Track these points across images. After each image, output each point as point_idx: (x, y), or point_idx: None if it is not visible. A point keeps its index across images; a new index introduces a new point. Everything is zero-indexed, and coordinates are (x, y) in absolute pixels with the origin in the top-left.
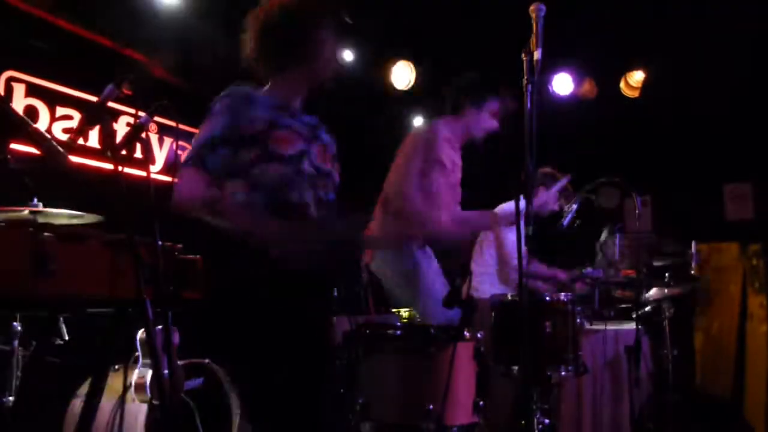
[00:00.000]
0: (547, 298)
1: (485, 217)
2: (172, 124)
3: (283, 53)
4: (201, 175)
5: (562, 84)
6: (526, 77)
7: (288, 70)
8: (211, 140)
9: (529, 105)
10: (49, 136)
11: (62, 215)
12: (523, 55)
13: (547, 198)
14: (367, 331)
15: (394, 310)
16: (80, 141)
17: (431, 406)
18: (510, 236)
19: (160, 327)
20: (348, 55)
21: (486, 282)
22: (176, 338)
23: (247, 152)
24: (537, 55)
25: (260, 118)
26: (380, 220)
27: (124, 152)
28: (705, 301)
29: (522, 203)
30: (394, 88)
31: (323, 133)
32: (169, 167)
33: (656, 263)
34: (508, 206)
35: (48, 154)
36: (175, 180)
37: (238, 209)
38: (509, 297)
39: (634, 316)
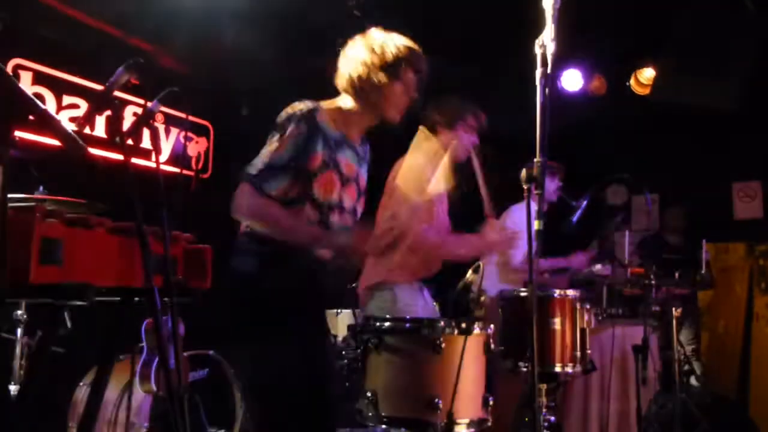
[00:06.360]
0: (555, 295)
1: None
2: (180, 114)
3: (355, 90)
4: (254, 191)
5: (572, 80)
6: (539, 70)
7: (357, 102)
8: (273, 166)
9: (542, 99)
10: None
11: (69, 203)
12: (536, 48)
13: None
14: (376, 324)
15: None
16: (86, 130)
17: (440, 401)
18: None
19: (166, 317)
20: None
21: (490, 278)
22: (182, 329)
23: (300, 185)
24: (551, 48)
25: (319, 155)
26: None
27: (130, 141)
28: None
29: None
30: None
31: (364, 165)
32: (176, 158)
33: (664, 262)
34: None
35: (67, 145)
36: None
37: (282, 214)
38: (517, 293)
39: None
